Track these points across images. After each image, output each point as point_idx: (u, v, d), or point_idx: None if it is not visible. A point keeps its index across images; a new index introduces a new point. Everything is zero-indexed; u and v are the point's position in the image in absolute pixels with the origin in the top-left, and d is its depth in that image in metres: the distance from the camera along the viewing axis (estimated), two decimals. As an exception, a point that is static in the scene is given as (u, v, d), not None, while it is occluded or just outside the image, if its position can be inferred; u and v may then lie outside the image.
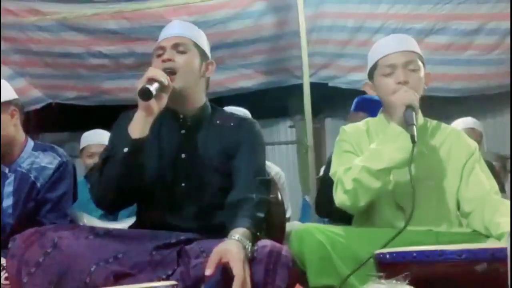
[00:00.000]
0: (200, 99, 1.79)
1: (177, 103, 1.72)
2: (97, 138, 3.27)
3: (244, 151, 1.73)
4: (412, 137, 1.62)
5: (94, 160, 3.06)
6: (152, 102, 1.57)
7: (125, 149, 1.56)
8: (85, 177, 3.19)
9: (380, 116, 1.91)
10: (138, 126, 1.58)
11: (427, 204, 1.74)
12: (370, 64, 1.87)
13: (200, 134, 1.75)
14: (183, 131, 1.75)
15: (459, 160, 1.82)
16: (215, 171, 1.71)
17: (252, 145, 1.75)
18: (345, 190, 1.70)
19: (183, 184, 1.70)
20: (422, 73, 1.80)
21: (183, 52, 1.73)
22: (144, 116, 1.58)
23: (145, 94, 1.55)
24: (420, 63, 1.80)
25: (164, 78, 1.59)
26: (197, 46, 1.77)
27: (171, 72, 1.67)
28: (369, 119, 1.96)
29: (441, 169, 1.81)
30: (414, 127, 1.64)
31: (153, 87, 1.55)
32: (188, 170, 1.71)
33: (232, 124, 1.78)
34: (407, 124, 1.66)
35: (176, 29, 1.78)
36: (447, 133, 1.88)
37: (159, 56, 1.74)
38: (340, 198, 1.73)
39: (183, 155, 1.72)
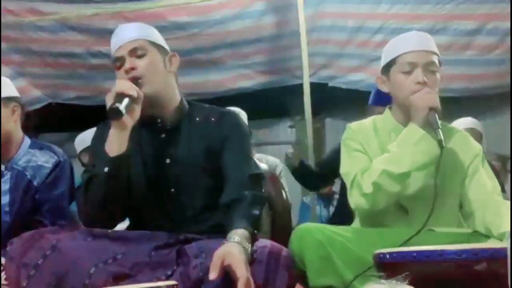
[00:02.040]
0: (174, 98, 1.73)
1: (151, 108, 1.66)
2: None
3: (230, 147, 1.68)
4: (440, 142, 1.61)
5: None
6: (125, 118, 1.53)
7: (105, 169, 1.53)
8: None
9: (387, 113, 1.88)
10: (115, 143, 1.55)
11: (430, 204, 1.73)
12: (387, 59, 1.82)
13: (181, 135, 1.70)
14: (163, 136, 1.70)
15: (463, 161, 1.81)
16: (204, 171, 1.67)
17: (237, 139, 1.70)
18: (363, 194, 1.67)
19: (172, 190, 1.67)
20: (439, 75, 1.77)
21: (142, 56, 1.66)
22: (118, 132, 1.55)
23: (115, 114, 1.51)
24: (438, 63, 1.77)
25: (133, 90, 1.54)
26: (153, 44, 1.70)
27: (137, 80, 1.62)
28: (375, 116, 1.93)
29: (445, 170, 1.77)
30: (440, 131, 1.63)
31: (123, 105, 1.51)
32: (175, 175, 1.67)
33: (213, 119, 1.73)
34: (432, 128, 1.64)
35: (126, 33, 1.70)
36: (452, 134, 1.86)
37: (119, 67, 1.67)
38: (357, 201, 1.70)
39: (167, 160, 1.68)
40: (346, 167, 1.79)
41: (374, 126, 1.86)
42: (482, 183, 1.78)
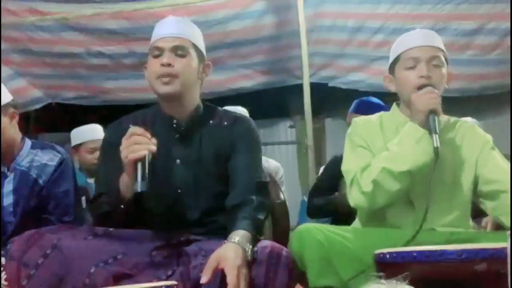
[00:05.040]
0: (194, 102, 1.75)
1: (171, 108, 1.69)
2: (96, 134, 3.27)
3: (241, 152, 1.69)
4: (436, 149, 1.60)
5: (95, 155, 3.06)
6: None
7: (121, 206, 1.55)
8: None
9: (394, 110, 1.87)
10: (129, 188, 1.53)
11: (439, 199, 1.70)
12: (392, 58, 1.83)
13: (194, 137, 1.71)
14: (177, 136, 1.71)
15: (472, 152, 1.78)
16: (212, 174, 1.69)
17: (248, 145, 1.72)
18: (362, 192, 1.66)
19: (179, 190, 1.68)
20: (445, 70, 1.78)
21: (182, 56, 1.68)
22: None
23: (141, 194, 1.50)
24: (444, 60, 1.78)
25: (146, 150, 1.49)
26: (195, 47, 1.72)
27: (170, 77, 1.64)
28: (383, 113, 1.91)
29: (454, 164, 1.77)
30: (438, 137, 1.62)
31: (143, 184, 1.47)
32: (183, 176, 1.68)
33: (226, 123, 1.74)
34: (430, 131, 1.63)
35: (174, 28, 1.71)
36: (458, 126, 1.84)
37: (156, 57, 1.68)
38: (356, 199, 1.69)
39: (178, 161, 1.69)
40: (348, 164, 1.77)
41: (381, 123, 1.85)
42: (498, 164, 1.75)
